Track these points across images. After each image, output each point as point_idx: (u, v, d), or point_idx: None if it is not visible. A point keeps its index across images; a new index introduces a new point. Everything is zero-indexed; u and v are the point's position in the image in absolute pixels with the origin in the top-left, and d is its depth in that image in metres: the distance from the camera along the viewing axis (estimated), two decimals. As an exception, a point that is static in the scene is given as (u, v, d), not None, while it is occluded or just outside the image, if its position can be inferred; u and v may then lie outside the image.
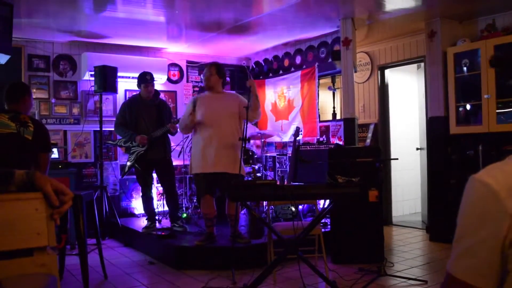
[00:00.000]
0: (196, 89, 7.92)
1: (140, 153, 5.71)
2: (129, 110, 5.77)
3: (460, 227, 0.97)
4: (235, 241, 4.84)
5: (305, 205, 6.19)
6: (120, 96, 7.12)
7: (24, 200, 1.34)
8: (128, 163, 5.84)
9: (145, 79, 5.70)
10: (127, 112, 5.77)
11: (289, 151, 7.29)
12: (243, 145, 4.61)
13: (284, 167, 7.58)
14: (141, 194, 6.00)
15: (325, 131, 7.14)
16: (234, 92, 5.54)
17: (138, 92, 5.90)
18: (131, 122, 5.75)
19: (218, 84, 5.02)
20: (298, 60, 7.36)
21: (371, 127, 6.25)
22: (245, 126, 4.72)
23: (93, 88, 6.40)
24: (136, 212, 7.15)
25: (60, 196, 1.35)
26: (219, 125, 4.83)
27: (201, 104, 4.93)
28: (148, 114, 5.76)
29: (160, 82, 7.32)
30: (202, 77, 5.07)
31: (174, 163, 6.20)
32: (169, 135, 5.91)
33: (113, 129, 6.47)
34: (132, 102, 5.87)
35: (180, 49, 7.59)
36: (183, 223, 5.91)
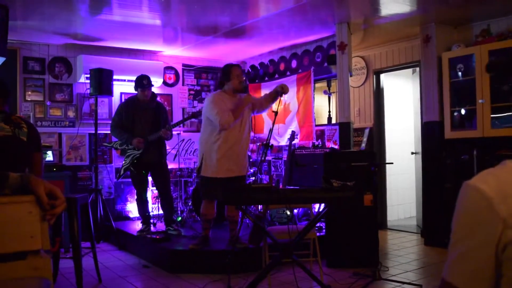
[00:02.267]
0: (192, 92, 7.91)
1: (135, 156, 5.70)
2: (125, 112, 5.75)
3: (454, 232, 0.98)
4: (234, 245, 4.84)
5: (300, 209, 6.18)
6: (116, 99, 7.10)
7: (18, 203, 1.34)
8: (123, 166, 5.83)
9: (142, 84, 5.67)
10: (124, 114, 5.75)
11: (285, 155, 7.29)
12: (266, 151, 4.66)
13: (280, 170, 7.58)
14: (136, 197, 5.98)
15: (320, 135, 7.15)
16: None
17: (135, 94, 5.88)
18: (127, 124, 5.73)
19: None
20: (293, 64, 7.37)
21: (366, 131, 6.26)
22: (269, 134, 4.73)
23: (88, 91, 6.39)
24: (131, 215, 7.13)
25: (51, 200, 1.35)
26: (241, 129, 4.85)
27: (225, 105, 4.78)
28: (145, 117, 5.74)
29: (156, 85, 7.30)
30: (237, 77, 4.84)
31: (169, 166, 6.19)
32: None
33: (108, 132, 6.47)
34: (129, 104, 5.85)
35: (176, 52, 7.59)
36: (178, 227, 5.90)
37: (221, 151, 4.79)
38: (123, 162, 5.85)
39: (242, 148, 4.88)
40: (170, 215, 5.89)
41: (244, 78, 5.00)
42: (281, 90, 4.86)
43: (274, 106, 5.04)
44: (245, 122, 4.91)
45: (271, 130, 4.70)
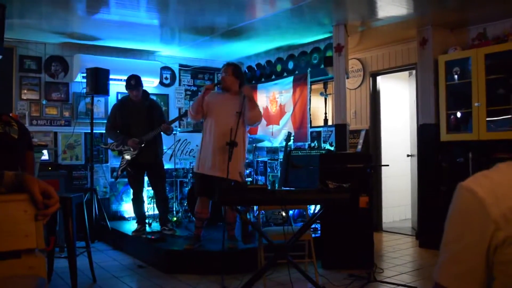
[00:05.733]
0: (189, 92, 7.91)
1: (132, 156, 5.69)
2: (119, 113, 5.74)
3: (446, 233, 0.98)
4: (229, 246, 4.84)
5: (296, 210, 6.18)
6: (112, 99, 7.08)
7: (13, 201, 1.33)
8: (121, 167, 5.82)
9: (130, 84, 5.63)
10: (118, 116, 5.74)
11: (281, 156, 7.29)
12: (231, 150, 4.56)
13: (275, 172, 7.58)
14: (132, 197, 5.97)
15: (316, 136, 7.15)
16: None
17: (128, 95, 5.87)
18: (122, 125, 5.72)
19: (234, 85, 4.98)
20: (290, 65, 7.38)
21: (363, 133, 6.27)
22: (233, 131, 4.64)
23: (84, 90, 6.38)
24: (126, 215, 7.11)
25: (45, 200, 1.34)
26: (223, 126, 4.77)
27: (211, 101, 4.91)
28: (139, 117, 5.72)
29: (152, 85, 7.30)
30: (219, 75, 5.09)
31: (165, 166, 6.18)
32: (163, 138, 5.90)
33: (104, 131, 6.46)
34: (122, 105, 5.83)
35: (173, 53, 7.58)
36: (173, 227, 5.89)
37: (205, 149, 4.87)
38: (120, 162, 5.84)
39: (221, 148, 4.69)
40: (165, 215, 5.88)
41: (224, 75, 4.97)
42: (244, 93, 4.84)
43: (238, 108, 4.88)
44: (226, 123, 4.75)
45: (231, 130, 4.62)
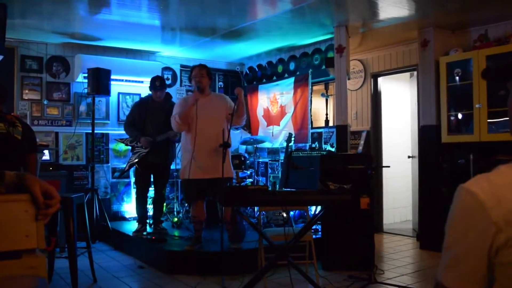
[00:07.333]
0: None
1: (142, 154, 5.72)
2: (138, 111, 5.83)
3: (448, 236, 0.99)
4: (229, 246, 4.84)
5: (297, 211, 6.18)
6: (113, 99, 7.08)
7: (14, 201, 1.33)
8: (129, 162, 5.86)
9: (154, 85, 5.77)
10: (136, 113, 5.83)
11: (282, 156, 7.29)
12: (224, 151, 4.57)
13: (276, 172, 7.58)
14: (136, 195, 5.98)
15: (317, 137, 7.15)
16: (220, 93, 5.48)
17: (151, 94, 5.93)
18: (139, 123, 5.78)
19: (207, 86, 5.04)
20: (291, 66, 7.37)
21: (364, 134, 6.27)
22: (225, 132, 4.65)
23: (86, 90, 6.38)
24: (127, 215, 7.11)
25: (46, 200, 1.34)
26: (208, 129, 4.78)
27: (185, 107, 4.85)
28: (156, 117, 5.76)
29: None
30: (193, 78, 4.99)
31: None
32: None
33: (105, 131, 6.49)
34: (142, 103, 5.94)
35: (174, 53, 7.59)
36: (162, 228, 5.89)
37: (192, 154, 4.79)
38: (130, 158, 5.88)
39: (211, 150, 4.72)
40: (159, 215, 5.91)
41: (200, 78, 4.91)
42: (239, 96, 4.79)
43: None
44: (210, 125, 4.77)
45: (222, 130, 4.62)
